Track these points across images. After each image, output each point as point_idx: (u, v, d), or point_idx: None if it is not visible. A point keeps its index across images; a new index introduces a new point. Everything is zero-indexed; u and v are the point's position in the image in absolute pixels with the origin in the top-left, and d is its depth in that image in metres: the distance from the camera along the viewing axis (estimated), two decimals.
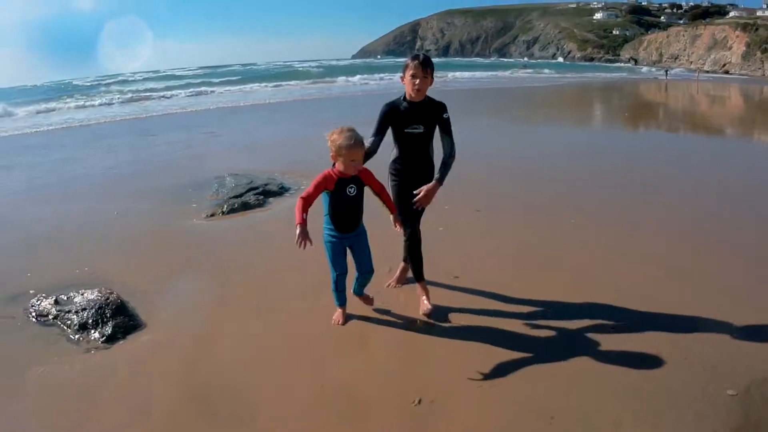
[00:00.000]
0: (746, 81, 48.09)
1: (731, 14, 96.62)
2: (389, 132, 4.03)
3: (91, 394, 3.24)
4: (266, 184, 7.79)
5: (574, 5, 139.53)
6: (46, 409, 3.14)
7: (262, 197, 7.36)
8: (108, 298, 4.18)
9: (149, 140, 13.62)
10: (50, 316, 4.18)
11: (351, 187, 3.80)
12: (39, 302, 4.34)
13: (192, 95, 30.11)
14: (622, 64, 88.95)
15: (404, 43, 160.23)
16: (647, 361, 3.36)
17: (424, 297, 4.21)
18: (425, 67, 3.84)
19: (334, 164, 3.77)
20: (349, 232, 3.94)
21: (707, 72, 67.13)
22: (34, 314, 4.24)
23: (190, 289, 4.69)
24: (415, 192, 3.95)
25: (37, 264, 5.27)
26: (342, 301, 4.15)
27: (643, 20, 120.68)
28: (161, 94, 30.84)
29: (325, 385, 3.28)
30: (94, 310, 4.05)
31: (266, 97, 27.26)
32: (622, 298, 4.21)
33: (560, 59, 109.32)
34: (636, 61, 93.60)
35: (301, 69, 60.68)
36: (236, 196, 7.26)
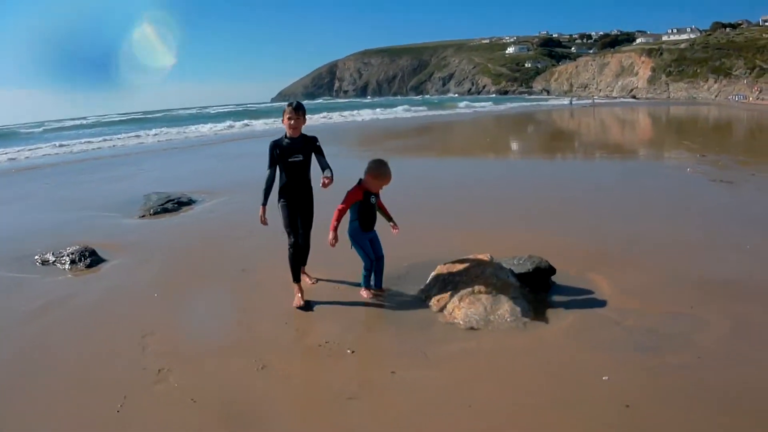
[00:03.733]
0: (643, 104, 54.14)
1: (639, 41, 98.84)
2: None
3: (91, 290, 6.28)
4: (179, 198, 10.95)
5: (488, 41, 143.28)
6: (66, 294, 6.25)
7: (176, 205, 10.56)
8: (86, 247, 7.36)
9: (89, 176, 16.69)
10: (50, 262, 7.20)
11: (373, 198, 5.27)
12: (40, 256, 7.33)
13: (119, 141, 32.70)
14: (535, 96, 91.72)
15: (322, 85, 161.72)
16: None
17: (300, 294, 5.36)
18: (298, 112, 5.17)
19: (359, 182, 5.21)
20: (370, 230, 5.35)
21: (615, 98, 71.15)
22: (39, 262, 7.22)
23: (127, 245, 7.91)
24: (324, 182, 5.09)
25: (29, 243, 8.23)
26: (368, 284, 5.46)
27: (554, 52, 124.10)
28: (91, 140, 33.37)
29: None
30: (79, 252, 7.20)
31: (182, 143, 30.41)
32: None
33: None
34: (548, 92, 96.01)
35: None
36: (159, 205, 10.43)
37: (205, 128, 40.60)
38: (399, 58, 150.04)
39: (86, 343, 4.86)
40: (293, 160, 5.19)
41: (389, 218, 5.54)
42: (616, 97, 72.45)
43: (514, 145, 23.44)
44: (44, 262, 7.25)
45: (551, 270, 5.57)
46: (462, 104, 64.61)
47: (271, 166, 5.21)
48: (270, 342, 4.64)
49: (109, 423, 3.58)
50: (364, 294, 5.46)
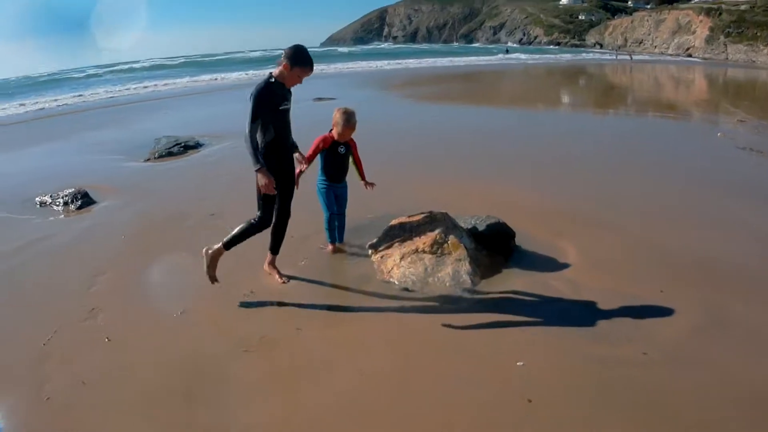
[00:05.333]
0: (698, 63, 51.47)
1: None
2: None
3: (71, 230, 6.61)
4: (187, 142, 11.27)
5: None
6: (48, 233, 6.58)
7: (182, 149, 10.88)
8: (80, 190, 7.71)
9: (115, 119, 17.23)
10: (47, 203, 7.60)
11: (342, 148, 5.14)
12: (40, 198, 7.73)
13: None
14: (588, 49, 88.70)
15: (372, 30, 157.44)
16: None
17: (276, 273, 4.87)
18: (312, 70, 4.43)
19: (330, 130, 5.12)
20: (338, 182, 5.28)
21: (670, 55, 68.27)
22: (38, 203, 7.63)
23: (122, 187, 8.23)
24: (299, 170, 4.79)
25: (37, 185, 8.63)
26: (333, 239, 5.40)
27: (610, 5, 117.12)
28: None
29: None
30: (72, 195, 7.56)
31: (218, 86, 30.75)
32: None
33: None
34: (601, 46, 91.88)
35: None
36: (166, 149, 10.74)
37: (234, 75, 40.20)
38: (450, 6, 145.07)
39: (41, 280, 5.20)
40: (284, 107, 4.38)
41: (360, 175, 5.47)
42: (671, 55, 68.56)
43: (541, 97, 22.72)
44: (42, 204, 7.65)
45: (509, 233, 5.39)
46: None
47: (259, 118, 4.24)
48: (199, 288, 4.79)
49: (33, 356, 3.87)
50: (328, 249, 5.44)
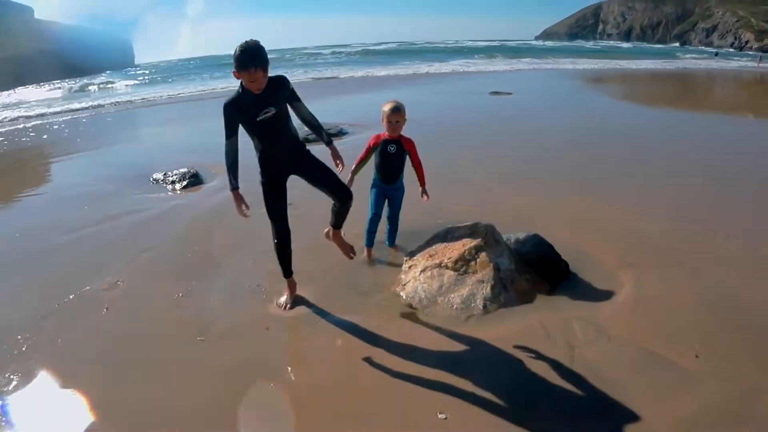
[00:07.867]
0: None
1: None
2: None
3: (158, 207, 7.15)
4: (329, 130, 11.53)
5: None
6: (138, 208, 7.18)
7: None
8: (188, 170, 8.44)
9: None
10: (159, 180, 8.41)
11: (392, 147, 4.84)
12: (154, 175, 8.53)
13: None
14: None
15: (586, 26, 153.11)
16: None
17: (290, 292, 4.46)
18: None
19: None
20: (389, 183, 5.02)
21: None
22: (152, 180, 8.46)
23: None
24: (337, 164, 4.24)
25: (156, 164, 9.36)
26: (370, 242, 5.15)
27: None
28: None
29: None
30: (180, 174, 8.30)
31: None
32: None
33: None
34: None
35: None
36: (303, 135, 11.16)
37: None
38: (663, 5, 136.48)
39: (97, 249, 5.78)
40: (263, 117, 3.82)
41: (419, 179, 5.04)
42: None
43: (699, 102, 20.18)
44: (155, 181, 8.47)
45: (551, 257, 4.72)
46: None
47: (235, 134, 3.83)
48: (210, 275, 5.01)
49: (42, 312, 4.37)
50: (364, 254, 5.15)
